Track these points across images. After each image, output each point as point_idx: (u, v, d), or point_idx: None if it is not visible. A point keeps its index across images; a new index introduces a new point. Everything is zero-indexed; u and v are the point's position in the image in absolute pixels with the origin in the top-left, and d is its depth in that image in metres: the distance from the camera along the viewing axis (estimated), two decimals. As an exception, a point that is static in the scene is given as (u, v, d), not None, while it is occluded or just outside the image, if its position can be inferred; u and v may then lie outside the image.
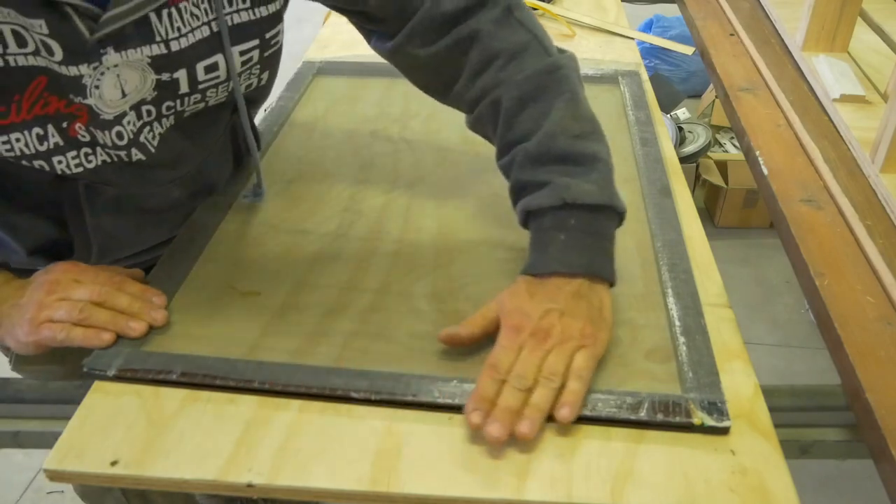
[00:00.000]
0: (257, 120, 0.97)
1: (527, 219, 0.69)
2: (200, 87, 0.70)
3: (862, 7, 1.08)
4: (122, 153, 0.68)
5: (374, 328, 0.67)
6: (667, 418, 0.57)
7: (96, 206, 0.73)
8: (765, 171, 0.87)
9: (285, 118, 1.02)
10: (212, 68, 0.69)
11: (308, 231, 0.80)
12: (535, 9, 1.36)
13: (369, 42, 0.81)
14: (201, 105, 0.72)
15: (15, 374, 0.90)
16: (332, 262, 0.76)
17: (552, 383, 0.58)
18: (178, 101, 0.70)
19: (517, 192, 0.70)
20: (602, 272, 0.65)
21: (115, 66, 0.63)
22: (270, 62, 0.75)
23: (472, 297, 0.71)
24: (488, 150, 0.94)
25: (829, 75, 0.99)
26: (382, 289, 0.72)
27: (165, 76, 0.66)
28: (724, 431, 0.56)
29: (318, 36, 1.31)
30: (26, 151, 0.63)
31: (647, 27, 2.83)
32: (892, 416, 0.56)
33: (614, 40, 1.28)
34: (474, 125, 0.78)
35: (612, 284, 0.66)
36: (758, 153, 0.90)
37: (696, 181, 2.37)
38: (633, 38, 1.29)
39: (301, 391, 0.60)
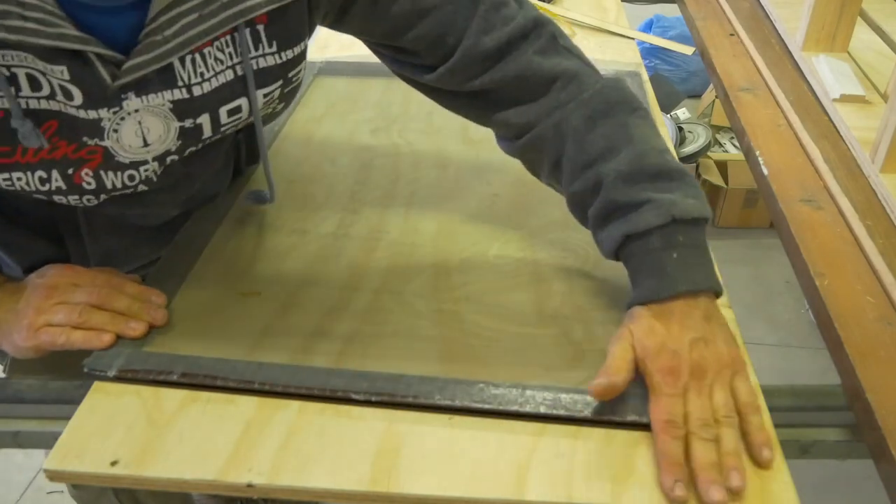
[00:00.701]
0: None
1: (623, 243, 0.64)
2: (223, 129, 0.68)
3: (862, 7, 1.08)
4: (129, 191, 0.68)
5: (374, 328, 0.67)
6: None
7: (94, 226, 0.73)
8: (765, 171, 0.87)
9: (286, 119, 1.02)
10: (235, 111, 0.67)
11: (308, 231, 0.80)
12: (535, 9, 1.36)
13: (396, 71, 0.77)
14: (217, 136, 0.71)
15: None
16: (332, 262, 0.76)
17: (734, 421, 0.56)
18: (201, 145, 0.69)
19: (608, 215, 0.65)
20: (718, 286, 0.63)
21: (136, 111, 0.61)
22: (290, 95, 0.73)
23: (472, 297, 0.71)
24: (488, 150, 0.94)
25: (829, 75, 0.99)
26: (382, 289, 0.72)
27: (188, 122, 0.65)
28: None
29: (317, 36, 1.31)
30: (27, 189, 0.63)
31: (647, 27, 2.83)
32: (892, 416, 0.56)
33: (614, 40, 1.28)
34: (523, 150, 0.72)
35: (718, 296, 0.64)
36: (758, 153, 0.90)
37: (696, 181, 2.37)
38: (633, 38, 1.29)
39: (301, 392, 0.60)
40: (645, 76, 1.11)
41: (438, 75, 0.70)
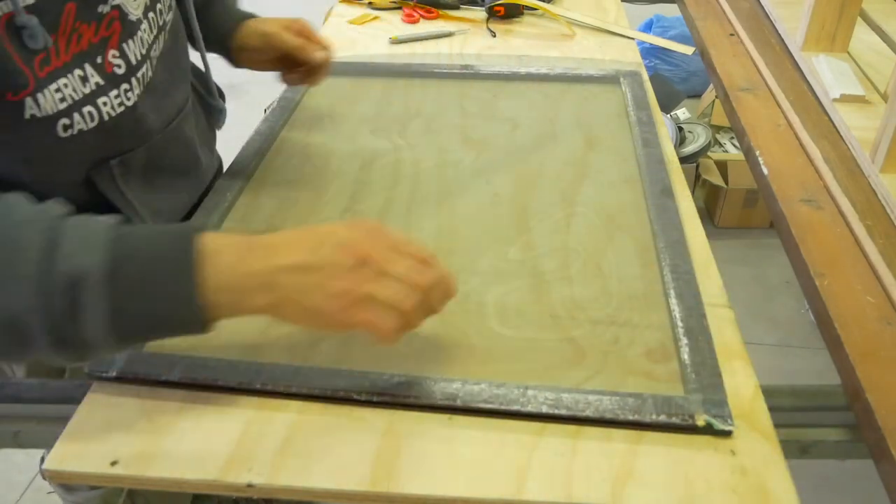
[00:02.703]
0: (257, 121, 0.97)
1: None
2: None
3: (862, 7, 1.08)
4: (141, 73, 0.71)
5: (374, 328, 0.67)
6: (669, 420, 0.57)
7: (131, 181, 0.74)
8: (765, 171, 0.87)
9: (286, 118, 1.02)
10: None
11: (308, 231, 0.80)
12: (534, 8, 1.36)
13: None
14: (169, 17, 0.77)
15: (16, 374, 0.90)
16: (333, 262, 0.76)
17: None
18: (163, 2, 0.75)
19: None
20: None
21: None
22: None
23: (472, 297, 0.71)
24: (488, 150, 0.95)
25: (829, 75, 0.99)
26: (382, 289, 0.72)
27: None
28: (727, 434, 0.56)
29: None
30: (76, 97, 0.64)
31: (647, 27, 2.83)
32: (892, 416, 0.56)
33: (614, 40, 1.28)
34: None
35: None
36: (758, 153, 0.90)
37: (696, 181, 2.37)
38: (633, 38, 1.29)
39: (303, 392, 0.60)
40: (645, 76, 1.11)
41: None
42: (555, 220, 0.81)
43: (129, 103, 0.70)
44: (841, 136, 0.91)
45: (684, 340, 0.64)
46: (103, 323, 0.50)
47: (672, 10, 1.73)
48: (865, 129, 0.87)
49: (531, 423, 0.58)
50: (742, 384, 0.61)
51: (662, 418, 0.57)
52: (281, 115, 1.02)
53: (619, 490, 0.53)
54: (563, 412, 0.57)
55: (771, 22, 1.23)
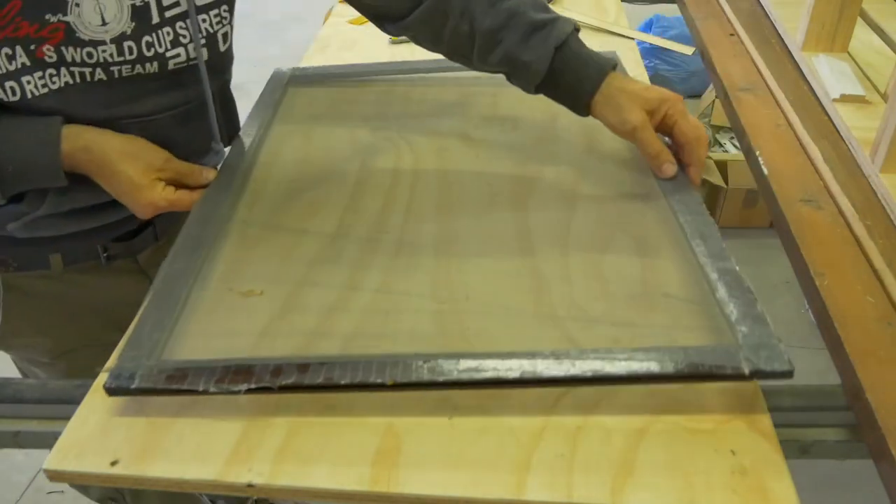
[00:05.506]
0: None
1: (555, 53, 0.81)
2: (167, 15, 0.74)
3: (862, 7, 1.08)
4: (87, 71, 0.73)
5: (374, 328, 0.67)
6: (713, 370, 0.56)
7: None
8: (765, 171, 0.87)
9: (287, 117, 1.02)
10: None
11: (308, 231, 0.80)
12: (535, 9, 1.36)
13: (384, 29, 0.94)
14: (179, 53, 0.77)
15: (15, 374, 0.90)
16: (332, 262, 0.76)
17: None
18: (156, 38, 0.75)
19: (528, 34, 0.81)
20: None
21: None
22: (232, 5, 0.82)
23: (473, 296, 0.71)
24: (488, 150, 0.95)
25: (829, 75, 0.99)
26: (382, 289, 0.72)
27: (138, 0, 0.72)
28: (788, 376, 0.56)
29: (318, 36, 1.31)
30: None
31: (647, 27, 2.83)
32: (892, 416, 0.56)
33: (614, 40, 1.28)
34: (429, 13, 0.87)
35: None
36: (758, 153, 0.90)
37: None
38: (633, 38, 1.29)
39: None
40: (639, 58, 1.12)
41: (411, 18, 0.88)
42: (554, 220, 0.81)
43: (54, 87, 0.72)
44: (841, 136, 0.91)
45: (717, 282, 0.67)
46: None
47: (672, 10, 1.73)
48: (865, 129, 0.87)
49: (531, 424, 0.58)
50: (742, 384, 0.61)
51: (711, 369, 0.56)
52: (282, 115, 1.02)
53: (619, 490, 0.53)
54: (589, 374, 0.56)
55: (771, 22, 1.23)
